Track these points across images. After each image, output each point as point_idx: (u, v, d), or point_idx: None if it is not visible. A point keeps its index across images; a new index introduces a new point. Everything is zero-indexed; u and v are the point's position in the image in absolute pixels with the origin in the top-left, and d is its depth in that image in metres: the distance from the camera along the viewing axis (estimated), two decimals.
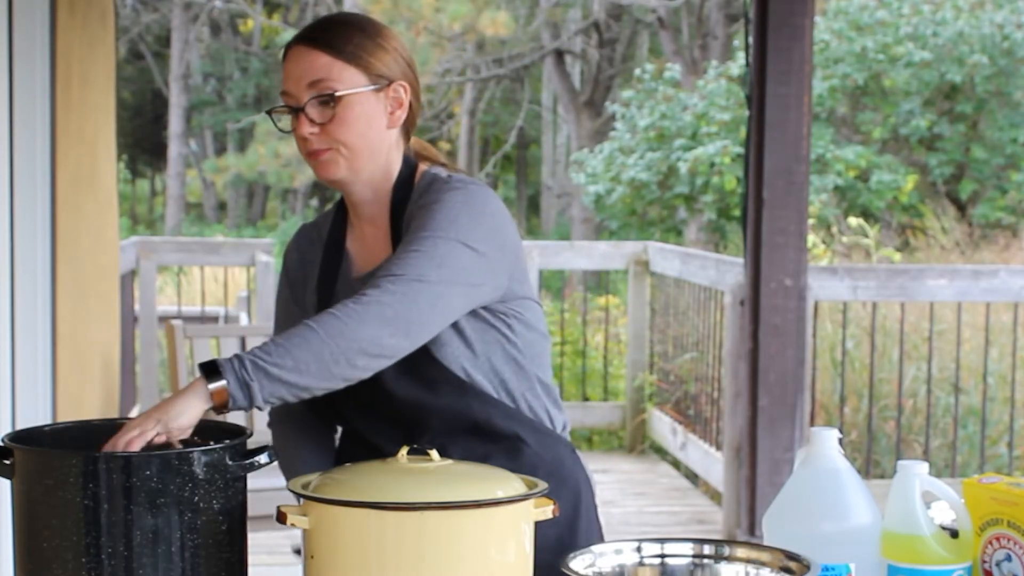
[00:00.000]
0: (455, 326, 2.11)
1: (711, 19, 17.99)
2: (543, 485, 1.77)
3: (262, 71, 23.77)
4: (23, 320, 4.12)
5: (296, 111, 2.14)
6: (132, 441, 1.83)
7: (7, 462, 1.78)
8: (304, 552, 1.74)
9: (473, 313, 2.12)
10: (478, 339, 2.14)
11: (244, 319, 8.71)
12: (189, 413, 1.88)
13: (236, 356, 1.91)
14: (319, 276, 2.25)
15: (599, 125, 18.90)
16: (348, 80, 2.12)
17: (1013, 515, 1.81)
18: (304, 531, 1.72)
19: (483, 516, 1.68)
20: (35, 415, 4.10)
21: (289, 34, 15.86)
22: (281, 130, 2.19)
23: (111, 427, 1.90)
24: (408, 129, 2.22)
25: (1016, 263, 10.03)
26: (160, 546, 1.72)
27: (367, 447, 2.16)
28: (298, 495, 1.73)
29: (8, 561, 2.32)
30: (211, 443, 1.82)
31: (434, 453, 1.80)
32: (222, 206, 26.00)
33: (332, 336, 1.94)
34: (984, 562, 1.84)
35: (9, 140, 4.07)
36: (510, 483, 1.76)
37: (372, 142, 2.16)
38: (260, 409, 1.96)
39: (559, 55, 19.39)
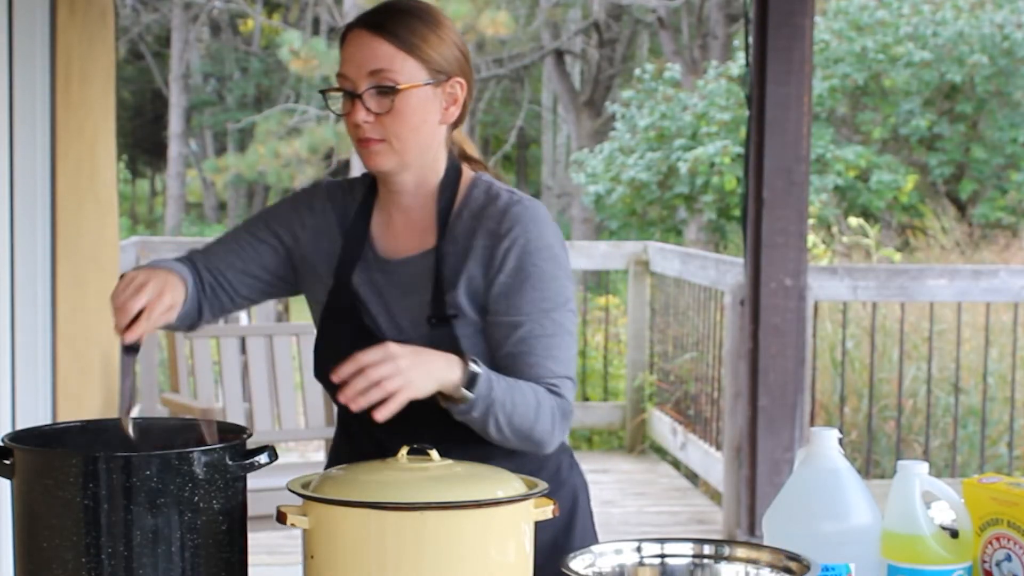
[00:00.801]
0: (485, 350, 2.16)
1: (711, 19, 17.98)
2: (543, 485, 1.77)
3: (262, 71, 23.75)
4: (23, 320, 4.12)
5: (353, 97, 2.13)
6: (397, 392, 1.93)
7: (7, 462, 1.78)
8: (304, 552, 1.74)
9: None
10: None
11: (244, 319, 8.70)
12: (429, 388, 1.99)
13: (490, 381, 2.04)
14: (340, 255, 2.23)
15: (599, 125, 18.90)
16: (409, 73, 2.12)
17: (1013, 515, 1.81)
18: (304, 531, 1.72)
19: (483, 516, 1.68)
20: (35, 415, 4.10)
21: (289, 34, 15.86)
22: (332, 111, 2.19)
23: (111, 427, 1.90)
24: (457, 123, 2.23)
25: (1016, 263, 10.03)
26: (160, 546, 1.72)
27: (365, 447, 2.16)
28: (298, 495, 1.73)
29: (8, 561, 2.32)
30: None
31: (434, 453, 1.80)
32: (222, 206, 25.99)
33: (539, 422, 2.10)
34: (984, 562, 1.84)
35: (9, 139, 4.07)
36: (510, 483, 1.76)
37: (424, 137, 2.16)
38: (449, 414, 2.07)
39: (559, 55, 19.39)
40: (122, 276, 2.06)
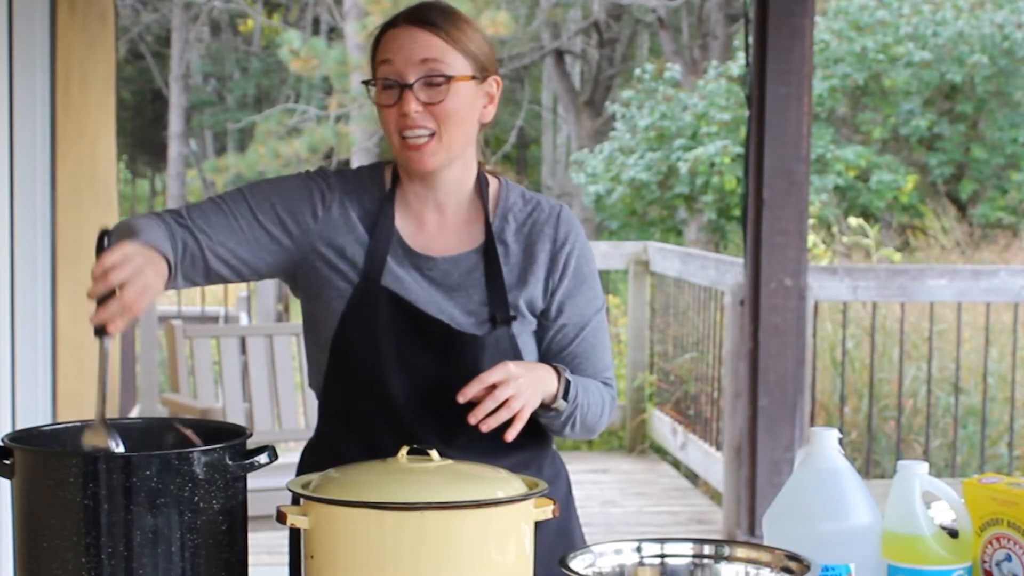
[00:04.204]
0: (534, 350, 2.26)
1: (711, 19, 17.98)
2: (543, 485, 1.77)
3: (262, 71, 23.74)
4: (23, 320, 4.12)
5: (402, 87, 2.15)
6: (521, 411, 2.03)
7: (7, 462, 1.78)
8: (304, 552, 1.74)
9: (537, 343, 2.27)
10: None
11: (244, 319, 8.71)
12: (538, 403, 2.10)
13: (576, 387, 2.17)
14: (370, 250, 2.20)
15: (599, 125, 18.89)
16: (459, 66, 2.17)
17: (1013, 515, 1.81)
18: (304, 531, 1.72)
19: (483, 516, 1.68)
20: (35, 415, 4.10)
21: (289, 34, 15.86)
22: (375, 103, 2.20)
23: (111, 428, 1.90)
24: (486, 124, 2.28)
25: (1016, 263, 10.03)
26: (160, 546, 1.72)
27: (365, 446, 2.15)
28: (298, 495, 1.73)
29: (8, 561, 2.32)
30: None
31: (434, 453, 1.81)
32: None
33: (602, 416, 2.26)
34: (984, 562, 1.84)
35: (9, 140, 4.08)
36: (510, 483, 1.76)
37: (468, 131, 2.21)
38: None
39: (559, 55, 19.39)
40: (109, 241, 1.90)
